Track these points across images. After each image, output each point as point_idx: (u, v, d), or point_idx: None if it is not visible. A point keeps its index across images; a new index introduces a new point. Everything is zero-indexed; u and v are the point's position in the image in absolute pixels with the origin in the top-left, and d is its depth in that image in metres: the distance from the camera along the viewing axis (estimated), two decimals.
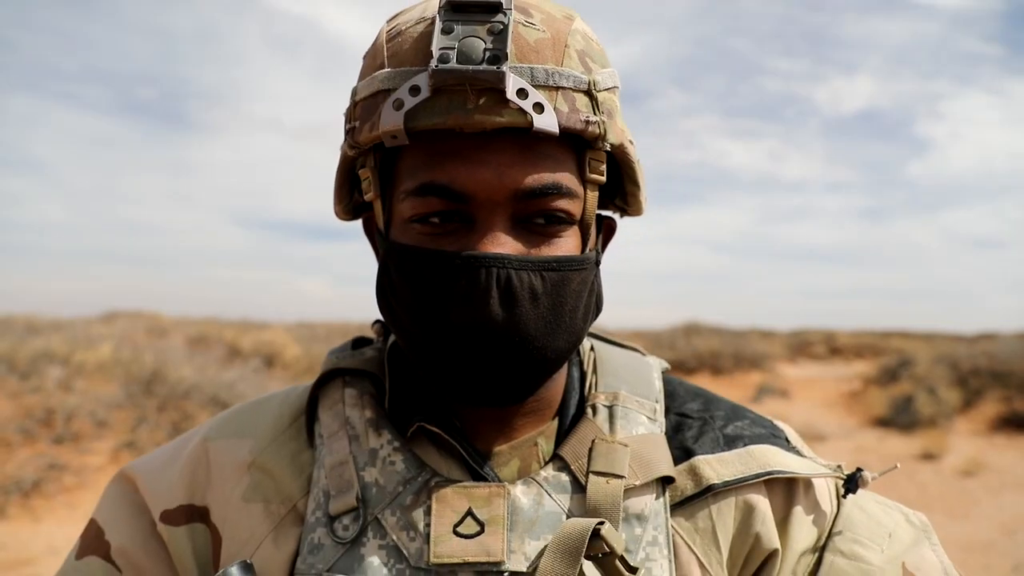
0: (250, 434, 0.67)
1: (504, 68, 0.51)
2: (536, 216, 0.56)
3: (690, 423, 0.67)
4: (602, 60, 0.60)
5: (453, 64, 0.52)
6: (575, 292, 0.58)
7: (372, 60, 0.59)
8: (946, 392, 10.30)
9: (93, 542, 0.66)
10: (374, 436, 0.63)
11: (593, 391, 0.67)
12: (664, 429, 0.66)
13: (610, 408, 0.65)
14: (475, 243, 0.55)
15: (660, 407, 0.67)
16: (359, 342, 0.74)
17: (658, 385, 0.69)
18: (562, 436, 0.65)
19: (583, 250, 0.60)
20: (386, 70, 0.56)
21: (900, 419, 9.93)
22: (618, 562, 0.56)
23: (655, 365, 0.72)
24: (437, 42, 0.52)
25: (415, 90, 0.52)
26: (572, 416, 0.66)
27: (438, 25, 0.53)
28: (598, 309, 0.64)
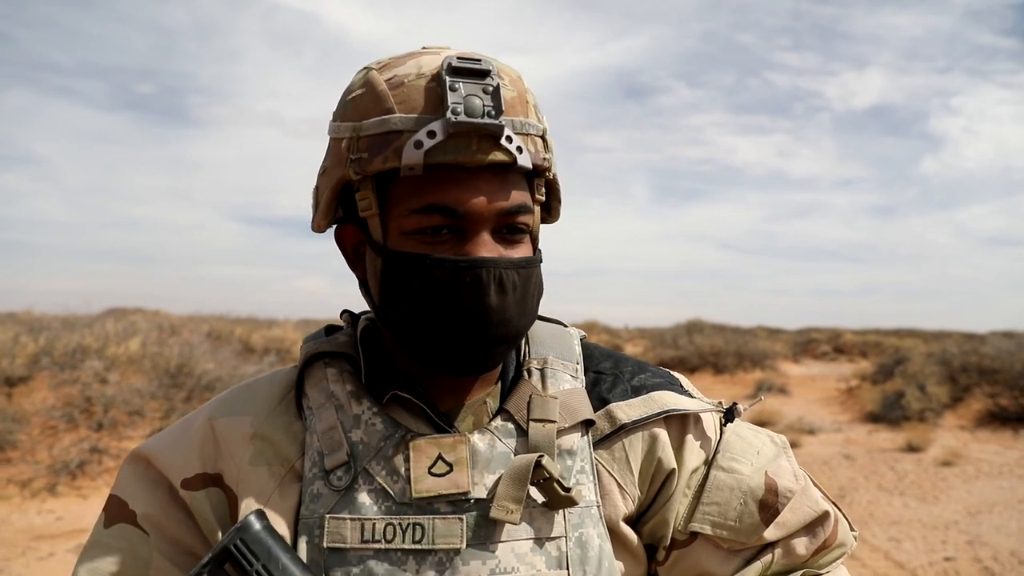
0: (248, 411, 0.77)
1: (503, 121, 0.66)
2: (507, 228, 0.71)
3: (604, 378, 0.81)
4: (541, 108, 0.74)
5: (464, 116, 0.65)
6: (535, 284, 0.74)
7: (374, 103, 0.69)
8: (935, 388, 10.63)
9: (118, 512, 0.76)
10: (356, 405, 0.74)
11: (527, 358, 0.81)
12: (584, 384, 0.80)
13: (541, 370, 0.79)
14: (469, 249, 0.68)
15: (580, 367, 0.82)
16: (331, 329, 0.85)
17: (578, 350, 0.84)
18: (505, 395, 0.78)
19: (533, 252, 0.75)
20: (398, 115, 0.67)
21: (890, 415, 10.26)
22: (556, 484, 0.70)
23: (575, 334, 0.87)
24: (450, 98, 0.65)
25: (432, 134, 0.66)
26: (512, 378, 0.79)
27: (447, 84, 0.66)
28: (541, 295, 0.78)
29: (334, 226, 0.78)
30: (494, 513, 0.69)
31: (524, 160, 0.69)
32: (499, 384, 0.79)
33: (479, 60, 0.68)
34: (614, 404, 0.78)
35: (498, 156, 0.67)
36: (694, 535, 0.78)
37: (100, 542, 0.75)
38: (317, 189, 0.77)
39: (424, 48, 0.72)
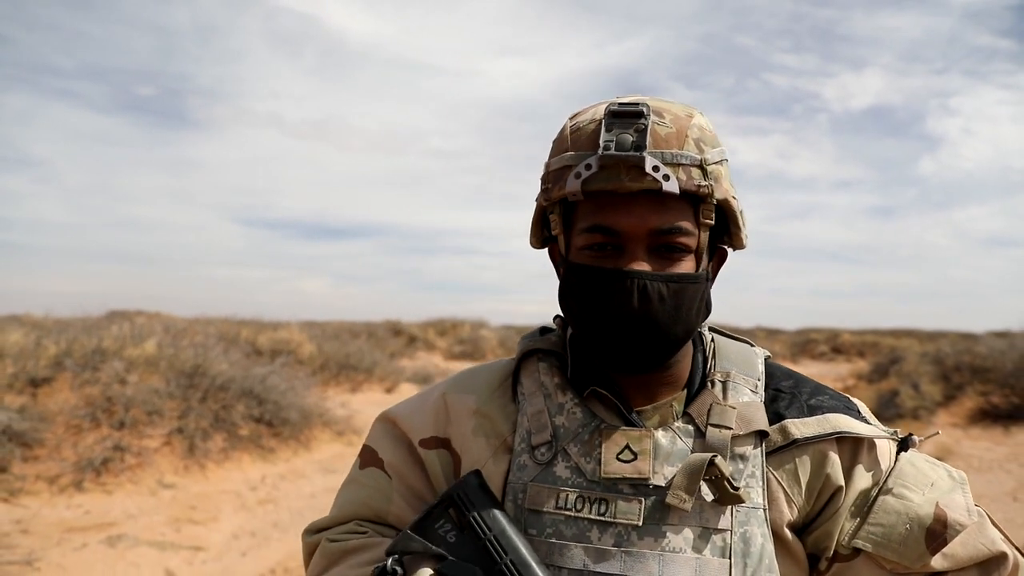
0: (474, 391, 0.93)
1: (644, 153, 0.77)
2: (663, 246, 0.81)
3: (783, 396, 0.88)
4: (713, 142, 0.82)
5: (613, 151, 0.77)
6: (690, 297, 0.82)
7: (560, 145, 0.85)
8: (929, 387, 10.85)
9: (370, 458, 0.96)
10: (561, 395, 0.88)
11: (712, 371, 0.89)
12: (763, 399, 0.87)
13: (724, 383, 0.87)
14: (624, 263, 0.80)
15: (761, 384, 0.89)
16: (544, 330, 0.98)
17: (761, 368, 0.91)
18: (689, 401, 0.87)
19: (696, 271, 0.83)
20: (570, 153, 0.82)
21: (885, 413, 10.44)
22: (726, 482, 0.77)
23: (760, 353, 0.94)
24: (603, 137, 0.78)
25: (588, 166, 0.78)
26: (697, 387, 0.88)
27: (603, 125, 0.79)
28: (708, 311, 0.87)
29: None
30: (669, 500, 0.78)
31: (671, 186, 0.77)
32: (685, 391, 0.89)
33: (637, 104, 0.80)
34: (789, 420, 0.85)
35: (645, 183, 0.77)
36: (857, 551, 0.83)
37: (356, 479, 0.96)
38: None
39: (617, 98, 0.85)
